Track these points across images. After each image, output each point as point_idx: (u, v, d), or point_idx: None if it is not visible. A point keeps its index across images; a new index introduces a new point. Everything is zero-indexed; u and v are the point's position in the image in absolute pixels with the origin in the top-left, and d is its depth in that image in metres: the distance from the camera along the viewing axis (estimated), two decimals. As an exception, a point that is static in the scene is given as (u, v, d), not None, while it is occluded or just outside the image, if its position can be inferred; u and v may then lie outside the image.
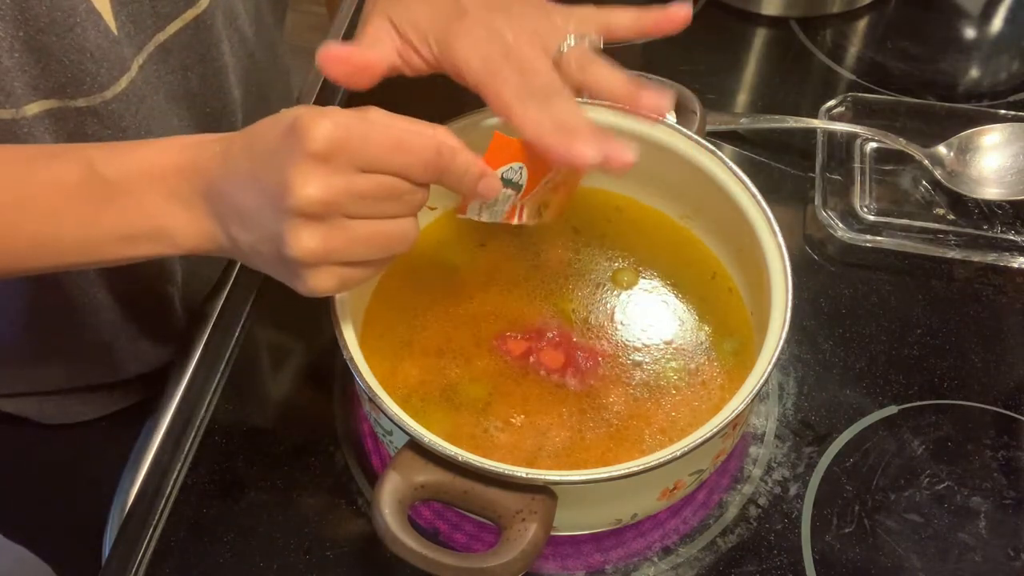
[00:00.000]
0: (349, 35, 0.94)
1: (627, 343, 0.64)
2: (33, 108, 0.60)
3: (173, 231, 0.52)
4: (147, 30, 0.65)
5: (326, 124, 0.47)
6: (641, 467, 0.52)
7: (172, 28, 0.66)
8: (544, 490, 0.53)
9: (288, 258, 0.48)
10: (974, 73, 0.94)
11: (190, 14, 0.67)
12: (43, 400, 0.80)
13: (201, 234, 0.51)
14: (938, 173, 0.80)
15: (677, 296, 0.67)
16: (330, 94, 0.89)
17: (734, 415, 0.54)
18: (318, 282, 0.50)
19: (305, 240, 0.47)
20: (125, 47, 0.63)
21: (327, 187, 0.47)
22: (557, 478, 0.52)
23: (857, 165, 0.82)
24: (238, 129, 0.76)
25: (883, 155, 0.83)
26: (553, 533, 0.54)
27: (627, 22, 0.61)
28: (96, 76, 0.61)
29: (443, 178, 0.51)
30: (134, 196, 0.51)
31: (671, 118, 0.67)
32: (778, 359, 0.56)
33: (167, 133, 0.69)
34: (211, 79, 0.71)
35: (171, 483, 0.66)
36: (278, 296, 0.75)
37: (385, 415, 0.54)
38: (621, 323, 0.66)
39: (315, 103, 0.88)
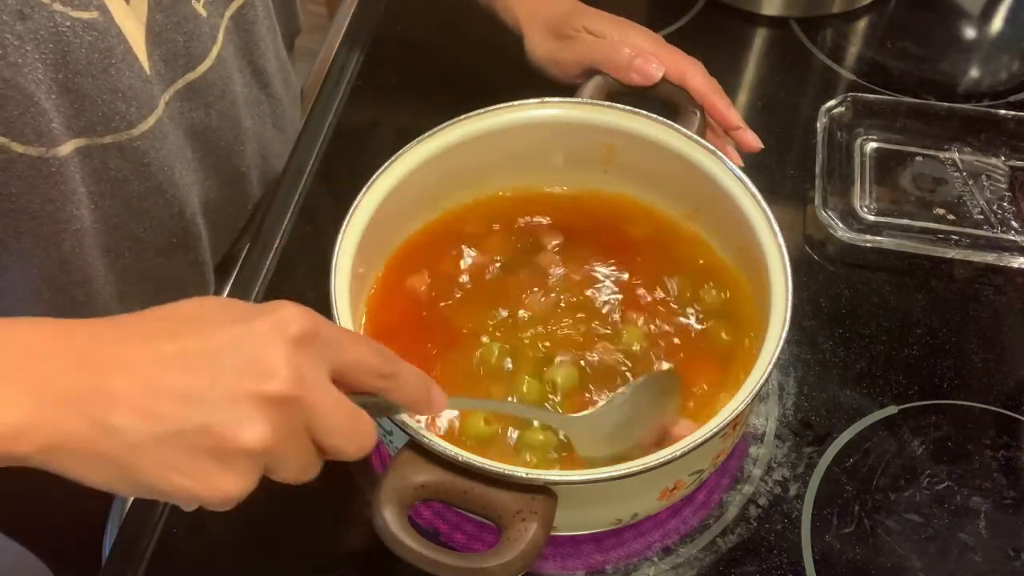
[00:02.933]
0: (349, 35, 0.95)
1: (627, 342, 0.64)
2: (66, 148, 0.61)
3: None
4: (178, 69, 0.66)
5: (301, 309, 0.44)
6: (641, 467, 0.52)
7: (202, 68, 0.67)
8: (544, 490, 0.53)
9: (231, 448, 0.41)
10: (974, 73, 0.94)
11: (214, 51, 0.68)
12: None
13: (38, 422, 0.40)
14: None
15: (677, 296, 0.67)
16: (330, 97, 0.90)
17: (734, 415, 0.54)
18: (236, 483, 0.42)
19: (261, 427, 0.41)
20: (155, 86, 0.64)
21: (302, 375, 0.43)
22: (557, 478, 0.52)
23: (857, 165, 0.82)
24: (244, 159, 0.77)
25: (883, 155, 0.83)
26: (553, 533, 0.54)
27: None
28: (126, 115, 0.63)
29: (391, 387, 0.48)
30: None
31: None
32: (778, 359, 0.56)
33: (184, 167, 0.70)
34: (227, 112, 0.72)
35: (171, 483, 0.66)
36: (279, 296, 0.75)
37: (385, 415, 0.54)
38: (621, 323, 0.65)
39: (314, 106, 0.88)
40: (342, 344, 0.46)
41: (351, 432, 0.45)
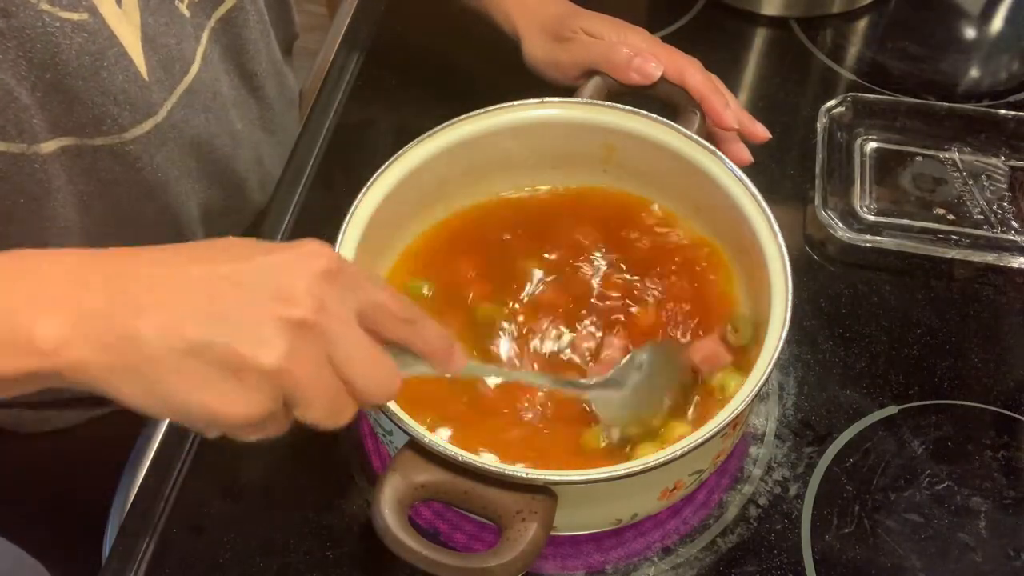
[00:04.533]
0: (350, 35, 0.95)
1: (627, 343, 0.64)
2: (50, 145, 0.61)
3: (33, 328, 0.42)
4: (176, 74, 0.66)
5: (329, 247, 0.46)
6: (641, 467, 0.52)
7: (193, 70, 0.67)
8: (544, 490, 0.53)
9: (248, 365, 0.42)
10: (974, 73, 0.94)
11: (199, 53, 0.68)
12: (22, 411, 0.80)
13: (69, 337, 0.42)
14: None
15: (676, 295, 0.67)
16: (330, 97, 0.90)
17: (734, 415, 0.54)
18: (253, 401, 0.43)
19: (280, 347, 0.43)
20: (155, 92, 0.64)
21: (324, 303, 0.44)
22: (557, 478, 0.52)
23: (857, 165, 0.82)
24: (241, 164, 0.77)
25: (883, 155, 0.83)
26: (553, 533, 0.54)
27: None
28: (118, 118, 0.62)
29: (412, 336, 0.49)
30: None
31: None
32: (778, 359, 0.56)
33: (184, 174, 0.71)
34: (220, 116, 0.72)
35: (171, 483, 0.66)
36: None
37: (385, 415, 0.54)
38: (621, 322, 0.65)
39: (314, 106, 0.88)
40: (366, 285, 0.47)
41: (374, 369, 0.46)
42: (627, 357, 0.62)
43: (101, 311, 0.43)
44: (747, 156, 0.70)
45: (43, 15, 0.56)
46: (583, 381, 0.61)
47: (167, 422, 0.69)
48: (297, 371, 0.43)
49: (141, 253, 0.45)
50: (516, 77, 0.76)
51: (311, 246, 0.46)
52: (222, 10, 0.70)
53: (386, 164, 0.64)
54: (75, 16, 0.58)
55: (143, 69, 0.63)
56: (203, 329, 0.43)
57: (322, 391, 0.45)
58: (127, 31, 0.61)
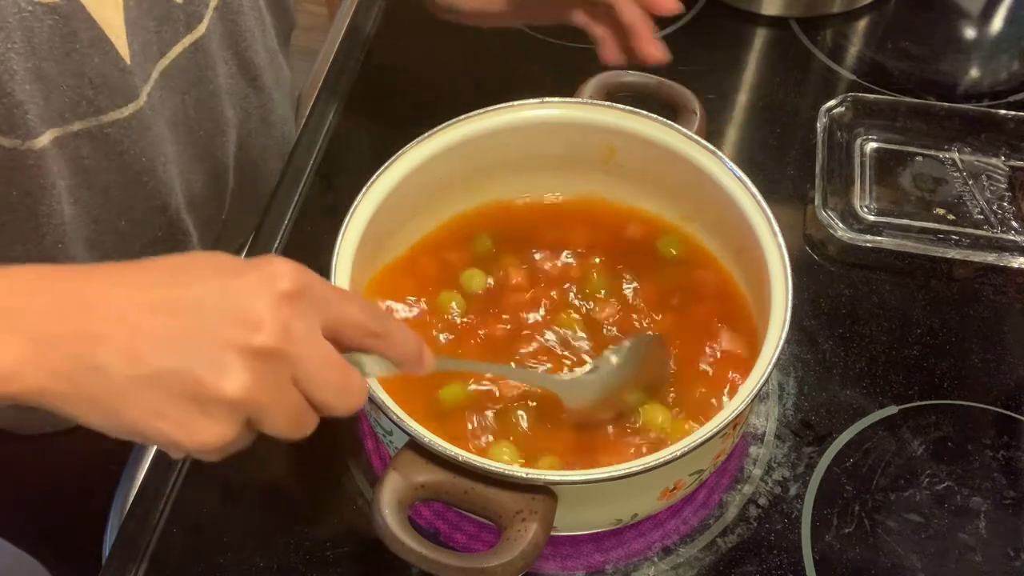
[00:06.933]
0: (350, 35, 0.95)
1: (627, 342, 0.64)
2: (43, 140, 0.61)
3: None
4: (158, 56, 0.66)
5: (292, 265, 0.45)
6: (641, 467, 0.52)
7: (172, 53, 0.67)
8: (544, 490, 0.53)
9: (210, 395, 0.42)
10: (974, 73, 0.94)
11: (188, 39, 0.67)
12: (21, 411, 0.80)
13: (27, 362, 0.41)
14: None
15: (677, 294, 0.67)
16: (329, 97, 0.90)
17: (734, 415, 0.54)
18: (217, 431, 0.43)
19: (243, 377, 0.42)
20: (135, 76, 0.64)
21: (288, 328, 0.43)
22: (557, 478, 0.52)
23: (857, 165, 0.82)
24: (229, 151, 0.77)
25: (883, 155, 0.83)
26: (553, 533, 0.54)
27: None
28: (93, 100, 0.62)
29: (381, 346, 0.49)
30: None
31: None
32: (778, 359, 0.56)
33: (166, 159, 0.70)
34: (205, 102, 0.72)
35: (171, 483, 0.66)
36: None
37: (385, 415, 0.54)
38: (622, 324, 0.65)
39: (314, 106, 0.88)
40: (332, 301, 0.46)
41: (340, 387, 0.45)
42: (596, 361, 0.62)
43: (59, 337, 0.42)
44: (660, 55, 0.69)
45: (19, 0, 0.55)
46: (557, 377, 0.62)
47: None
48: (261, 397, 0.43)
49: (100, 273, 0.44)
50: (516, 78, 0.76)
51: (274, 266, 0.44)
52: None
53: (386, 164, 0.64)
54: None
55: (124, 52, 0.62)
56: (164, 358, 0.42)
57: (285, 411, 0.44)
58: (110, 15, 0.60)
